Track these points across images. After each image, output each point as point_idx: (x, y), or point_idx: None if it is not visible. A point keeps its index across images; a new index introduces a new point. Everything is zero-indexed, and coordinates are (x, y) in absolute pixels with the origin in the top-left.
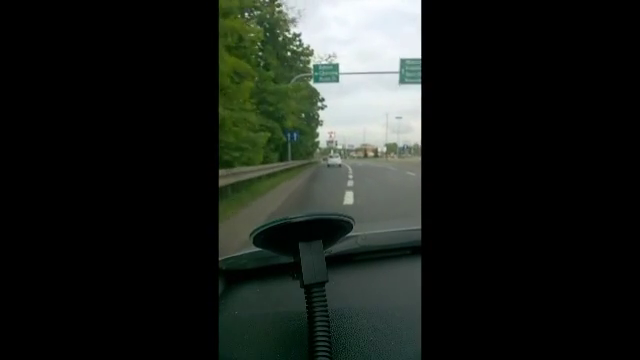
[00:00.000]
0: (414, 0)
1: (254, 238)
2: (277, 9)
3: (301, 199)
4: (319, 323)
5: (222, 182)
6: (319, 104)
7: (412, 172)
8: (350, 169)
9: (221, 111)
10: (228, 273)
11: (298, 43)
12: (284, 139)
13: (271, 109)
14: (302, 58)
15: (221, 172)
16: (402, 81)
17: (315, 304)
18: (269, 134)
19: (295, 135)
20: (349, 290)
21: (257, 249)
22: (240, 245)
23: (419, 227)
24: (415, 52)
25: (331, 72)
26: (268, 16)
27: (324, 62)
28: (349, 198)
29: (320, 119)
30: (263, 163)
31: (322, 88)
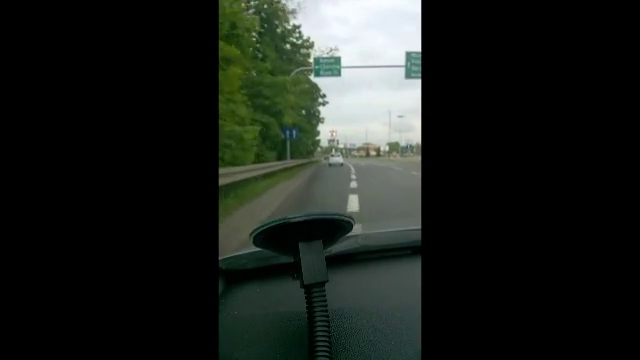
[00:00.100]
0: None
1: (254, 238)
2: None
3: (297, 207)
4: (319, 323)
5: None
6: (320, 100)
7: (417, 172)
8: (352, 169)
9: None
10: (228, 273)
11: (298, 35)
12: (282, 136)
13: (267, 103)
14: (302, 51)
15: None
16: (408, 75)
17: (315, 304)
18: (258, 128)
19: (294, 132)
20: (349, 290)
21: (257, 249)
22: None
23: (419, 227)
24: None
25: (332, 65)
26: (265, 6)
27: (325, 55)
28: (354, 203)
29: (321, 116)
30: (258, 162)
31: (323, 86)
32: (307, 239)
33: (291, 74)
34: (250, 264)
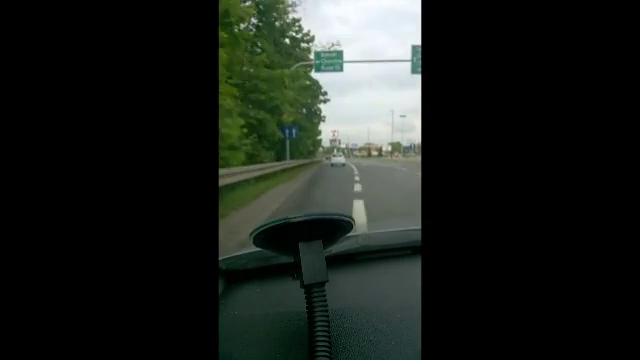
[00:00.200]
0: None
1: (254, 238)
2: None
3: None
4: (319, 323)
5: None
6: (321, 97)
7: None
8: (355, 169)
9: None
10: (228, 273)
11: (297, 28)
12: (280, 135)
13: (262, 98)
14: (302, 45)
15: None
16: (414, 70)
17: (315, 304)
18: (241, 121)
19: (294, 131)
20: (349, 290)
21: (257, 249)
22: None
23: (419, 227)
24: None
25: (334, 60)
26: None
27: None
28: (359, 212)
29: (322, 114)
30: (252, 163)
31: (324, 85)
32: (307, 239)
33: (290, 69)
34: (250, 264)
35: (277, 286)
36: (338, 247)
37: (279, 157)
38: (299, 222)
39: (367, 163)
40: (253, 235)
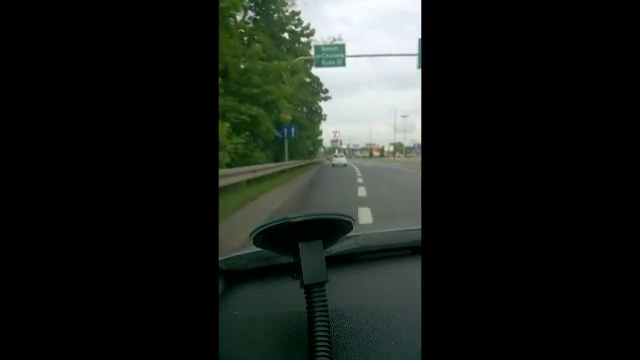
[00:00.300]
0: None
1: (254, 238)
2: None
3: None
4: (319, 323)
5: None
6: (322, 95)
7: None
8: (358, 170)
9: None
10: (228, 273)
11: (297, 22)
12: (275, 133)
13: (255, 91)
14: (302, 40)
15: None
16: (420, 65)
17: (315, 304)
18: (227, 119)
19: (293, 130)
20: (349, 290)
21: (257, 249)
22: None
23: (419, 227)
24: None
25: (336, 54)
26: None
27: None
28: (366, 221)
29: (323, 113)
30: (246, 164)
31: (324, 85)
32: (307, 239)
33: (289, 62)
34: (250, 264)
35: (277, 286)
36: (338, 247)
37: (277, 158)
38: (299, 222)
39: (369, 164)
40: (253, 235)
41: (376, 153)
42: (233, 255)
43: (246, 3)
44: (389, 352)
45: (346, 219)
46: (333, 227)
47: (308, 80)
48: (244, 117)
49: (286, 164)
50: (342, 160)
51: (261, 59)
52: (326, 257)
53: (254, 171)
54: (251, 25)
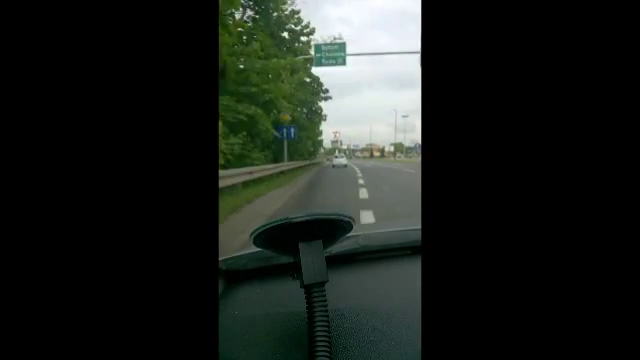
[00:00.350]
0: None
1: (254, 238)
2: None
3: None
4: (319, 323)
5: None
6: (322, 95)
7: None
8: (358, 171)
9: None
10: (228, 273)
11: (296, 20)
12: (274, 133)
13: (253, 90)
14: (302, 39)
15: None
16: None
17: (315, 304)
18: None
19: (292, 131)
20: (349, 290)
21: (257, 249)
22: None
23: (419, 227)
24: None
25: (336, 53)
26: None
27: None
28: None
29: (324, 113)
30: (243, 165)
31: (324, 85)
32: (307, 239)
33: (288, 60)
34: (250, 264)
35: (277, 286)
36: (338, 247)
37: (276, 159)
38: (299, 222)
39: (370, 164)
40: (253, 235)
41: (376, 153)
42: (233, 255)
43: (244, 2)
44: (389, 352)
45: (346, 219)
46: (333, 227)
47: (308, 80)
48: (241, 117)
49: (285, 165)
50: (342, 161)
51: (260, 58)
52: (326, 257)
53: (250, 172)
54: (250, 24)
